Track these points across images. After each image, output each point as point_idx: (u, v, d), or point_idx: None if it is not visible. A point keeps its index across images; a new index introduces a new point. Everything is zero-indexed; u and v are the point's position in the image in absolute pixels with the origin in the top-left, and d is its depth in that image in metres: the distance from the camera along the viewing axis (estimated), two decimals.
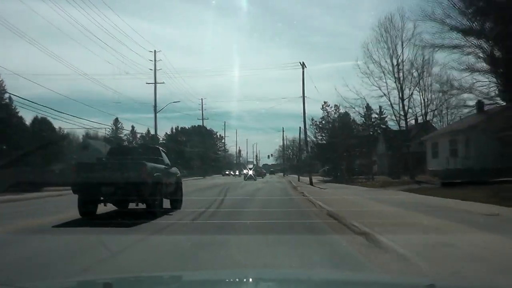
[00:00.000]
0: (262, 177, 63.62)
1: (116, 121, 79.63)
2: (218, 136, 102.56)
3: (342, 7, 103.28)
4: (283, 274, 3.80)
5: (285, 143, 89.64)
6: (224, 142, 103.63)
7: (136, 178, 10.86)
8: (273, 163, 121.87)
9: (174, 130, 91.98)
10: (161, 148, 14.24)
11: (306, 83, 38.99)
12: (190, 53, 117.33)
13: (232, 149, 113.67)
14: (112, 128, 79.29)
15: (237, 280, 3.14)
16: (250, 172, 52.99)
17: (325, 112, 51.44)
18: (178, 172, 14.67)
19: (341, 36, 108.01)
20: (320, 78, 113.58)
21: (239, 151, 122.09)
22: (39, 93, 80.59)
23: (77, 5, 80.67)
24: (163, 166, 12.74)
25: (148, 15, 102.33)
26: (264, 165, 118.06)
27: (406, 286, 3.10)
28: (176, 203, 13.57)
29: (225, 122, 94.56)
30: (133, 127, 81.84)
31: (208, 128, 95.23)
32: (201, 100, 66.61)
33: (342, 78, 72.77)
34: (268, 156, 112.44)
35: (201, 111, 66.36)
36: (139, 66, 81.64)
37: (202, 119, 68.40)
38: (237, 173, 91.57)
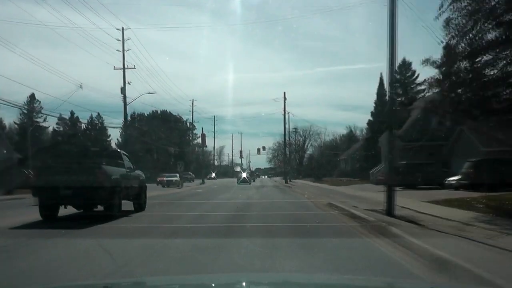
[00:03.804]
0: (253, 181, 53.65)
1: (32, 99, 54.85)
2: (189, 125, 77.29)
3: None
4: (283, 277, 3.75)
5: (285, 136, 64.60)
6: (192, 131, 78.31)
7: (93, 181, 11.00)
8: (266, 166, 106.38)
9: (129, 118, 73.40)
10: (122, 152, 14.32)
11: None
12: (185, 57, 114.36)
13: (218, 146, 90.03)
14: (24, 109, 54.44)
15: (236, 284, 3.07)
16: (244, 175, 51.03)
17: None
18: (142, 175, 14.91)
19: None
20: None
21: (221, 148, 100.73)
22: None
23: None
24: (124, 169, 12.93)
25: (142, 18, 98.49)
26: (257, 168, 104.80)
27: None
28: (140, 206, 13.85)
29: (193, 100, 60.33)
30: (60, 114, 58.62)
31: (176, 114, 76.06)
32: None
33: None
34: (258, 150, 76.75)
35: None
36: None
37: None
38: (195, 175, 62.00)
